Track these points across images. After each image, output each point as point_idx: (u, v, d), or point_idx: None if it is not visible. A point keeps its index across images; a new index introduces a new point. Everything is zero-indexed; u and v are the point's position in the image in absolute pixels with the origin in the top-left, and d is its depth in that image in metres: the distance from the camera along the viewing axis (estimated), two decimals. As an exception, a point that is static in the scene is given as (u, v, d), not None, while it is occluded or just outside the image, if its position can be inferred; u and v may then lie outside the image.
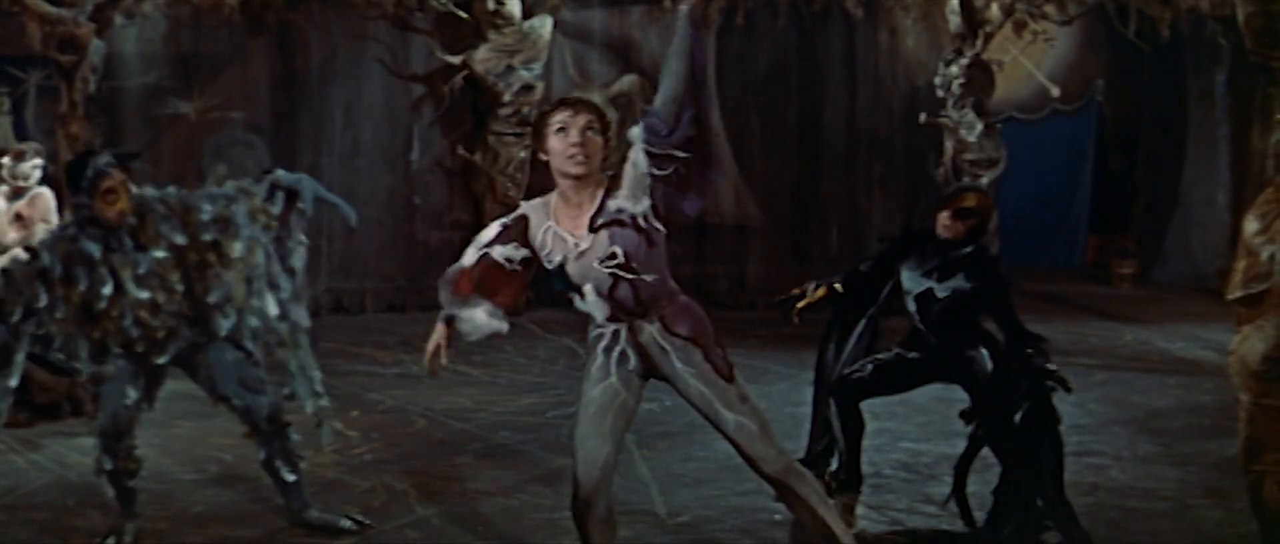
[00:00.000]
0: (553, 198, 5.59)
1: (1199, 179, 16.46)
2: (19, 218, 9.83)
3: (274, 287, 6.90)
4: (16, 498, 7.52)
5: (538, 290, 14.51)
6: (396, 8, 13.80)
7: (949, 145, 14.14)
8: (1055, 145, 16.91)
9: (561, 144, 5.47)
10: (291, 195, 7.04)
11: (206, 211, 6.71)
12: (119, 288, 6.53)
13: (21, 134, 12.58)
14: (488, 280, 5.61)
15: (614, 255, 5.47)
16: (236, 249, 6.74)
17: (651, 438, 8.58)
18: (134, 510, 6.81)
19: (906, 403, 8.10)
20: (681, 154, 5.49)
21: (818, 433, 7.41)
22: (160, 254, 6.59)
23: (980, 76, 14.05)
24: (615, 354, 5.65)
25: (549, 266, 5.57)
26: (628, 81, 15.15)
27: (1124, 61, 16.20)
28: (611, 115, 15.04)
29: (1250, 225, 5.95)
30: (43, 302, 6.49)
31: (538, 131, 5.55)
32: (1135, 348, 12.44)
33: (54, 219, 9.92)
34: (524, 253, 5.59)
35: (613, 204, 5.49)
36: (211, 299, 6.66)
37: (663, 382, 5.77)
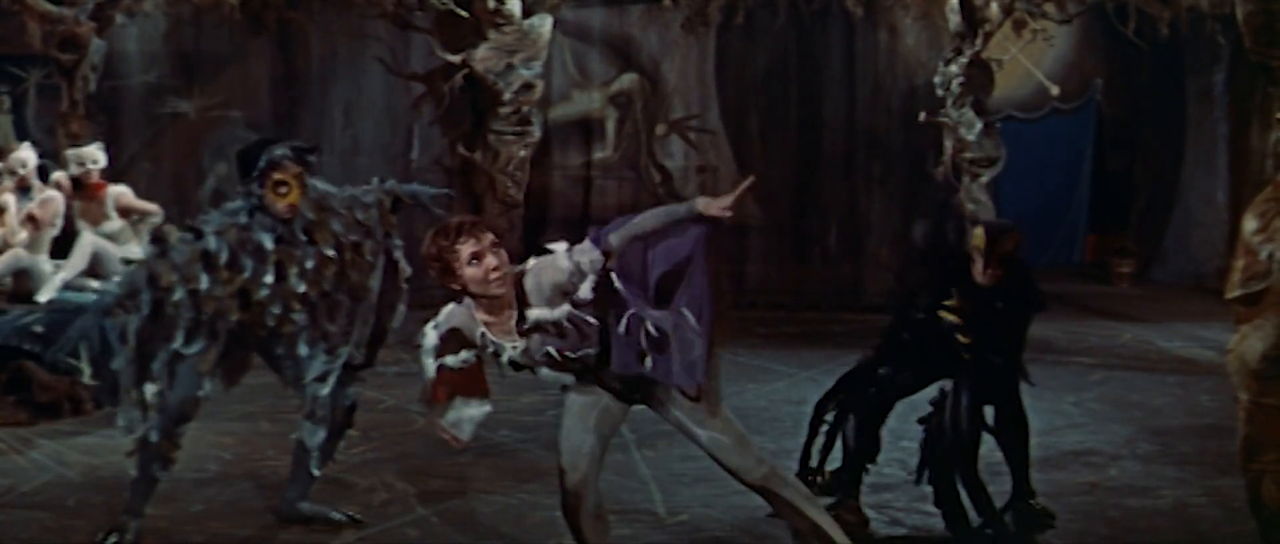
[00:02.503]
0: (470, 305, 5.55)
1: (1198, 178, 16.46)
2: (31, 219, 9.85)
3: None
4: (16, 497, 7.53)
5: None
6: (396, 6, 13.81)
7: (948, 144, 14.14)
8: (1054, 144, 16.93)
9: (480, 271, 5.40)
10: (412, 199, 7.10)
11: (360, 215, 6.76)
12: (281, 279, 6.52)
13: (22, 133, 12.59)
14: (455, 382, 5.65)
15: (550, 355, 5.53)
16: (368, 253, 6.80)
17: (651, 437, 8.59)
18: (142, 509, 6.78)
19: (906, 402, 8.08)
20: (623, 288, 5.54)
21: (817, 438, 7.38)
22: (330, 251, 6.62)
23: (979, 75, 14.05)
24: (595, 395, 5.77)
25: (501, 363, 5.60)
26: (627, 80, 15.16)
27: (1123, 60, 16.20)
28: (611, 113, 15.11)
29: (1249, 224, 5.96)
30: (204, 284, 6.41)
31: (443, 263, 5.46)
32: (1134, 347, 12.45)
33: (61, 221, 9.95)
34: (472, 354, 5.60)
35: (531, 314, 5.48)
36: (340, 298, 6.70)
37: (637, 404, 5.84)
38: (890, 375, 7.22)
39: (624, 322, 5.51)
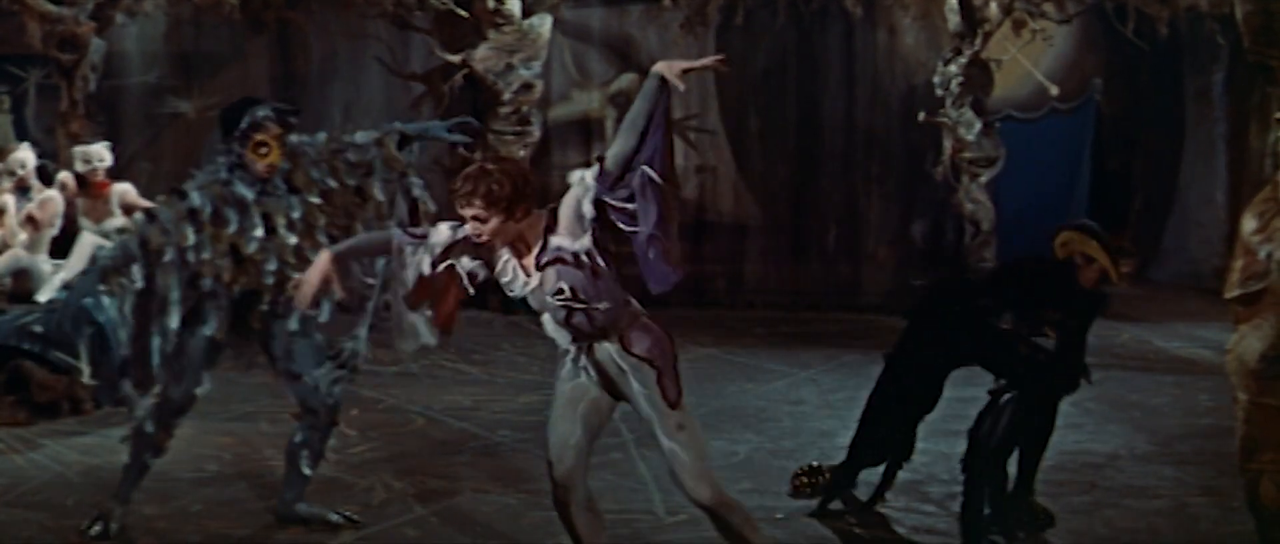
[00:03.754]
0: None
1: (1197, 178, 16.46)
2: (30, 220, 9.86)
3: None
4: (15, 497, 7.54)
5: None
6: (396, 6, 13.81)
7: (948, 144, 14.15)
8: (1053, 144, 16.90)
9: (470, 228, 5.59)
10: (420, 137, 7.15)
11: (351, 156, 6.83)
12: (271, 232, 6.63)
13: (22, 132, 12.59)
14: (435, 289, 5.76)
15: (561, 291, 5.59)
16: (378, 191, 6.86)
17: (650, 437, 8.58)
18: (129, 497, 6.87)
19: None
20: (629, 207, 5.55)
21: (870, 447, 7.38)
22: (314, 199, 6.71)
23: (979, 75, 14.06)
24: (580, 368, 5.82)
25: (511, 294, 5.70)
26: (627, 79, 15.15)
27: (1122, 60, 16.20)
28: (611, 113, 15.11)
29: (1248, 224, 5.97)
30: (191, 241, 6.54)
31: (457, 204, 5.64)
32: (1133, 346, 12.45)
33: (60, 221, 9.97)
34: (485, 274, 5.71)
35: (554, 242, 5.59)
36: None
37: (623, 400, 5.87)
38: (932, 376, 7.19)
39: (641, 241, 5.55)
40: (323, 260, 5.83)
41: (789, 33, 14.93)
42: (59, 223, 9.99)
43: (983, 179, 14.21)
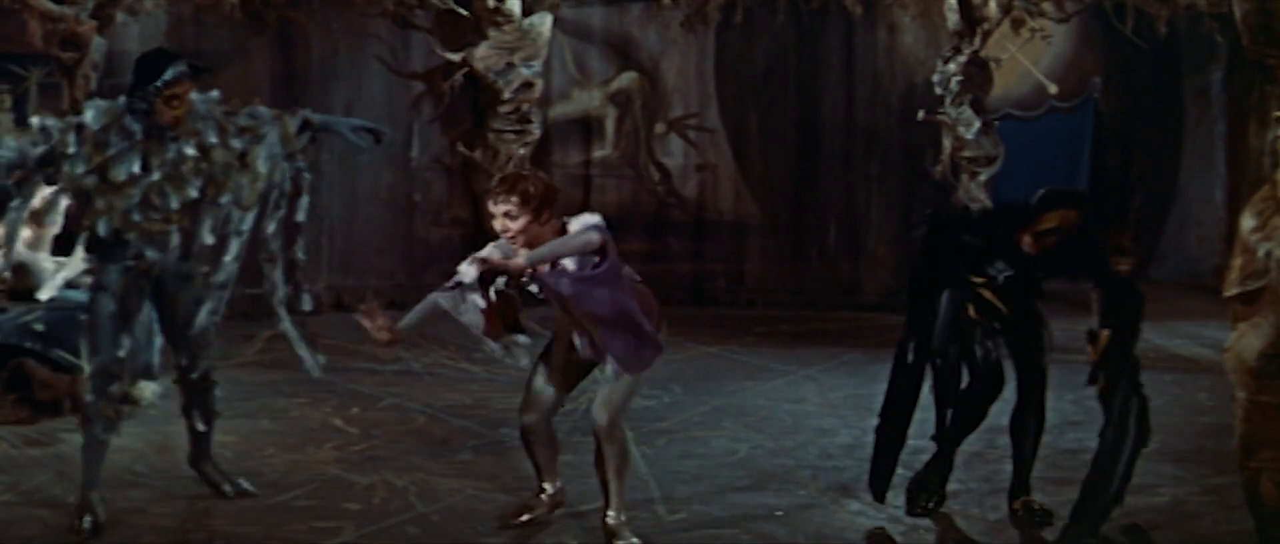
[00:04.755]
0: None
1: (1196, 176, 16.48)
2: (33, 216, 9.87)
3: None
4: (18, 495, 7.55)
5: (537, 287, 14.54)
6: (397, 5, 13.82)
7: (947, 142, 14.15)
8: (1052, 142, 16.91)
9: (500, 226, 6.49)
10: (316, 135, 7.42)
11: (242, 121, 7.11)
12: (144, 168, 6.92)
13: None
14: (503, 312, 6.71)
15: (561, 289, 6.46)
16: (261, 161, 7.11)
17: (650, 435, 8.62)
18: (96, 478, 7.11)
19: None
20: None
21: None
22: (189, 150, 6.96)
23: (978, 74, 14.06)
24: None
25: (526, 289, 6.57)
26: (627, 78, 15.16)
27: (1121, 59, 16.21)
28: (611, 111, 15.13)
29: (1247, 223, 5.98)
30: (71, 149, 6.87)
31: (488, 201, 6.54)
32: (1132, 345, 12.44)
33: (62, 219, 9.97)
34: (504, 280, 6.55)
35: (565, 263, 6.42)
36: (222, 200, 7.08)
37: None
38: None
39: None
40: (386, 335, 6.58)
41: (789, 31, 14.94)
42: (61, 221, 9.99)
43: (982, 178, 14.20)
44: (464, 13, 13.69)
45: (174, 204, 6.99)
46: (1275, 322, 5.86)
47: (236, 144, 7.08)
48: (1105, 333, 7.02)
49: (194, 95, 7.06)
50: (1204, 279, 15.44)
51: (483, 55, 13.80)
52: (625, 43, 15.13)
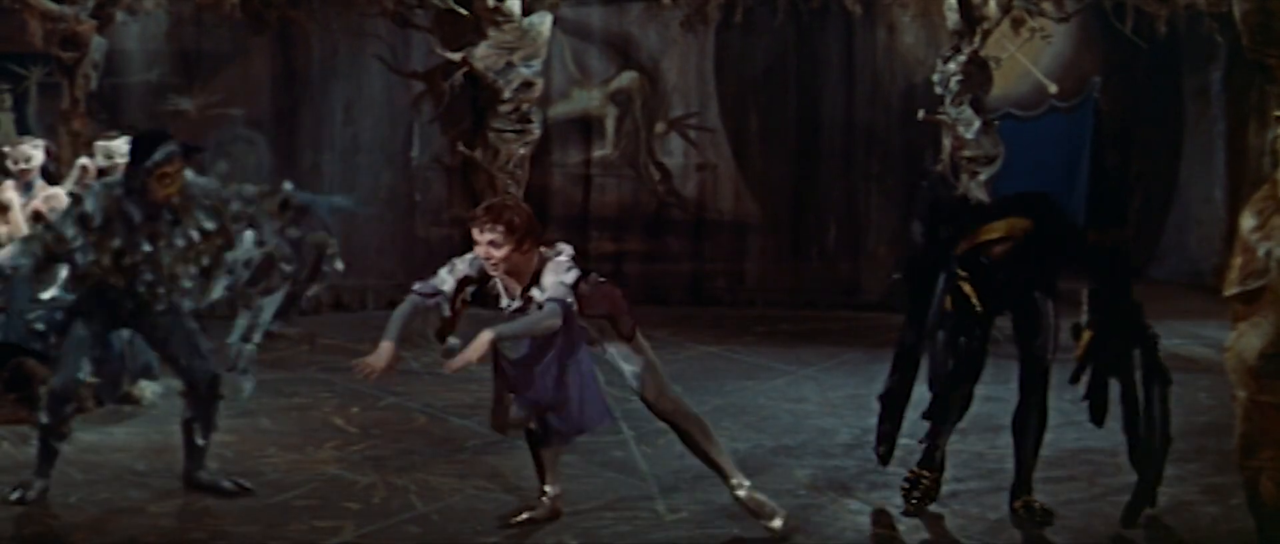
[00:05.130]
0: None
1: (1195, 176, 16.48)
2: (37, 216, 9.88)
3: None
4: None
5: (537, 287, 14.54)
6: (396, 5, 13.81)
7: (947, 142, 14.15)
8: (1052, 142, 16.91)
9: (483, 253, 6.71)
10: (299, 212, 7.76)
11: (236, 207, 7.44)
12: (153, 250, 7.25)
13: (24, 130, 12.59)
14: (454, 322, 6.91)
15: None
16: (248, 243, 7.48)
17: (650, 434, 8.62)
18: (48, 471, 7.43)
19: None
20: None
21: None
22: (194, 233, 7.31)
23: (978, 73, 14.05)
24: None
25: (502, 307, 6.85)
26: (627, 78, 15.17)
27: (1121, 58, 16.21)
28: (611, 111, 15.12)
29: (1246, 222, 5.98)
30: (76, 242, 7.23)
31: (470, 233, 6.75)
32: (1132, 344, 12.44)
33: None
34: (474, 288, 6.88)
35: (534, 292, 6.71)
36: (218, 289, 7.49)
37: None
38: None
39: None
40: (387, 353, 6.85)
41: (788, 30, 14.95)
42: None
43: (982, 177, 14.20)
44: (464, 12, 13.69)
45: (185, 283, 7.39)
46: (1275, 321, 5.85)
47: (236, 227, 7.48)
48: (1088, 332, 7.01)
49: (198, 181, 7.43)
50: (1204, 278, 15.44)
51: (482, 55, 13.79)
52: (625, 42, 15.14)
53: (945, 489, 7.70)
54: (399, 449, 8.63)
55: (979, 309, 7.14)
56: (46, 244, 7.31)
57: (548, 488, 7.12)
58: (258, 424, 9.10)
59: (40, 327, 9.28)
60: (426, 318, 6.90)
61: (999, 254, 7.12)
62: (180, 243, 7.32)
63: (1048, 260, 7.19)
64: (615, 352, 6.96)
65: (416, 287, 6.88)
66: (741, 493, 7.02)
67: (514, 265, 6.70)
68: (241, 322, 7.66)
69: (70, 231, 7.23)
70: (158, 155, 7.18)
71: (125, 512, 7.26)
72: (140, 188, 7.23)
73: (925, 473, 7.41)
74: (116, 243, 7.24)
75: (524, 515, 7.08)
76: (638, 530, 7.02)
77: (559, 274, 6.66)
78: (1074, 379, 7.07)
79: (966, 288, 7.15)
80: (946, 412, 7.34)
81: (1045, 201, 7.37)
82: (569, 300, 6.67)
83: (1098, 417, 7.15)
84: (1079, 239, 7.46)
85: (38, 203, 9.90)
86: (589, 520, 7.13)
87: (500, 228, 6.62)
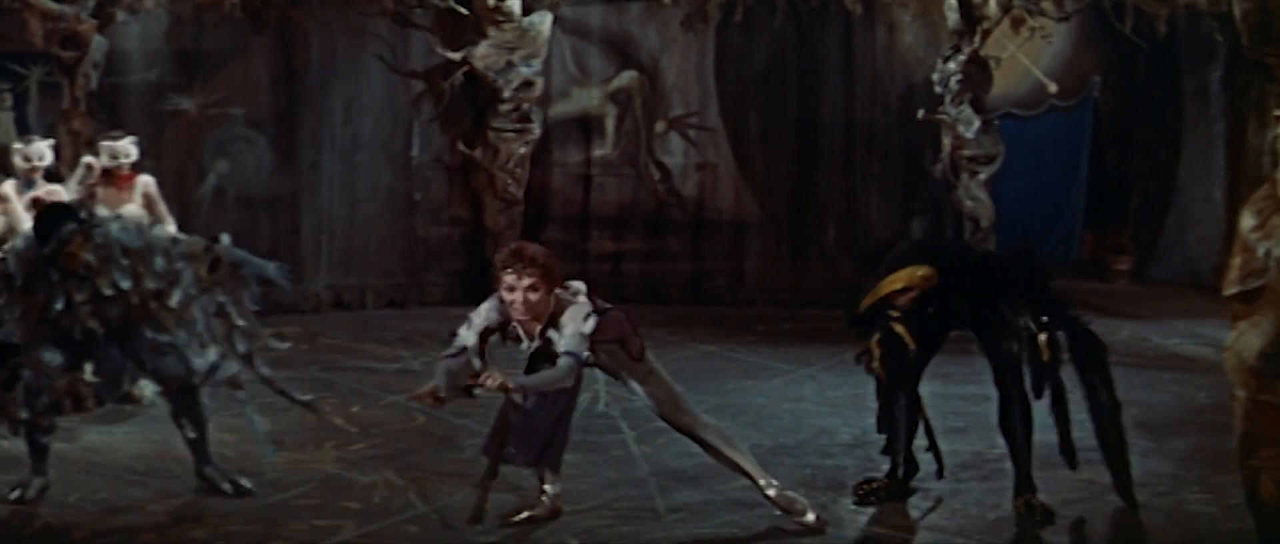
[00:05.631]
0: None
1: (1195, 175, 16.48)
2: (35, 203, 9.90)
3: (205, 343, 7.75)
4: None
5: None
6: (396, 4, 13.83)
7: (947, 141, 14.17)
8: (1052, 141, 16.93)
9: (511, 298, 6.75)
10: (233, 268, 7.81)
11: (159, 264, 7.55)
12: (69, 306, 7.40)
13: (24, 130, 12.60)
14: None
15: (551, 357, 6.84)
16: (175, 301, 7.56)
17: (650, 434, 8.62)
18: (44, 468, 7.50)
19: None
20: None
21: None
22: (108, 292, 7.44)
23: (978, 73, 14.07)
24: None
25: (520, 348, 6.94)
26: (627, 77, 15.17)
27: (1120, 58, 16.22)
28: (611, 110, 15.12)
29: (1246, 221, 5.97)
30: (2, 299, 7.44)
31: (496, 274, 6.84)
32: (1131, 344, 12.46)
33: None
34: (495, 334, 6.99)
35: (552, 334, 6.78)
36: (145, 334, 7.60)
37: None
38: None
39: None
40: (430, 393, 6.79)
41: (788, 30, 14.96)
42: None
43: (982, 177, 14.22)
44: (464, 11, 13.71)
45: (98, 331, 7.52)
46: (1275, 320, 5.85)
47: (151, 285, 7.53)
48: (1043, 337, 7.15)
49: (119, 239, 7.52)
50: (1203, 278, 15.44)
51: (482, 54, 13.81)
52: (625, 41, 15.14)
53: (945, 488, 7.71)
54: (399, 448, 8.63)
55: (911, 348, 7.38)
56: None
57: (547, 487, 7.13)
58: (258, 423, 9.10)
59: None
60: (460, 373, 6.84)
61: (904, 304, 7.28)
62: (89, 297, 7.44)
63: (964, 299, 7.33)
64: (629, 377, 7.01)
65: (443, 355, 6.96)
66: (772, 492, 7.07)
67: (534, 309, 6.74)
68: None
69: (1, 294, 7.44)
70: (55, 242, 7.34)
71: (125, 511, 7.26)
72: (53, 261, 7.39)
73: (880, 478, 7.64)
74: (39, 298, 7.40)
75: (523, 514, 7.08)
76: (637, 530, 7.02)
77: (578, 323, 6.72)
78: (1037, 393, 7.30)
79: (899, 329, 7.35)
80: (895, 426, 7.59)
81: (944, 250, 7.70)
82: (584, 355, 6.75)
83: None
84: (991, 274, 7.56)
85: (39, 193, 9.94)
86: (589, 520, 7.13)
87: (537, 273, 6.68)
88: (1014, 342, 7.28)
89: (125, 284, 7.47)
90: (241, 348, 7.74)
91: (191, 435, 7.69)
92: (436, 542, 6.93)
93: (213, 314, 7.71)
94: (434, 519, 7.21)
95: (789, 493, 7.15)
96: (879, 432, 7.78)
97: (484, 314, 6.89)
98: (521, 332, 6.86)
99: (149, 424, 8.96)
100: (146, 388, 9.49)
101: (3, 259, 7.60)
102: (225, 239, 7.85)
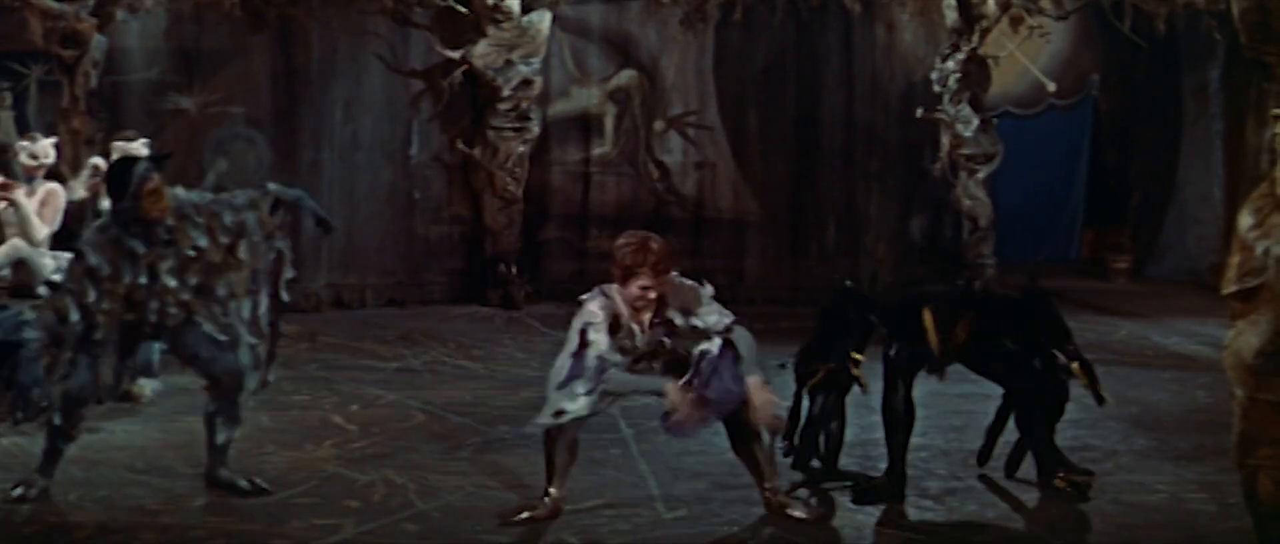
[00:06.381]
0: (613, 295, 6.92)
1: (1194, 174, 16.50)
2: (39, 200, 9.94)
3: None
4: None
5: (537, 286, 14.56)
6: (396, 3, 13.84)
7: (946, 140, 14.19)
8: (1051, 140, 16.96)
9: (636, 296, 6.83)
10: (290, 207, 7.84)
11: (227, 218, 7.52)
12: (154, 278, 7.36)
13: (24, 128, 12.60)
14: None
15: (661, 343, 7.00)
16: (243, 251, 7.54)
17: (650, 432, 8.62)
18: (51, 472, 7.50)
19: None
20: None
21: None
22: (190, 252, 7.41)
23: (977, 71, 14.09)
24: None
25: (622, 346, 6.92)
26: (626, 76, 15.19)
27: (1119, 56, 16.24)
28: (610, 109, 15.12)
29: (1244, 220, 5.97)
30: (92, 297, 7.30)
31: (622, 270, 6.84)
32: (1130, 342, 12.47)
33: (61, 217, 10.02)
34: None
35: (673, 316, 6.91)
36: (220, 292, 7.50)
37: None
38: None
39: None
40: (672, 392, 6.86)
41: (788, 29, 14.97)
42: (60, 218, 10.02)
43: (981, 175, 14.25)
44: (463, 10, 13.72)
45: (185, 298, 7.44)
46: (1273, 319, 5.85)
47: (224, 240, 7.52)
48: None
49: (187, 198, 7.52)
50: (1202, 276, 15.46)
51: (482, 53, 13.82)
52: (624, 40, 15.15)
53: (942, 486, 7.73)
54: (398, 447, 8.63)
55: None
56: (60, 309, 7.34)
57: (553, 490, 7.13)
58: (258, 422, 9.09)
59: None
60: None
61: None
62: (174, 264, 7.40)
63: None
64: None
65: (589, 380, 6.84)
66: (772, 493, 7.20)
67: (656, 302, 6.90)
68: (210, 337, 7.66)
69: (87, 286, 7.31)
70: (136, 176, 7.33)
71: (125, 510, 7.26)
72: (133, 215, 7.34)
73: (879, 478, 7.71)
74: (126, 281, 7.34)
75: (524, 514, 7.08)
76: (637, 529, 7.02)
77: (709, 302, 6.93)
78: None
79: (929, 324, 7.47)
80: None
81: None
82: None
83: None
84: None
85: (41, 193, 9.95)
86: (589, 519, 7.14)
87: (667, 267, 6.84)
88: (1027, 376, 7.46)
89: (203, 242, 7.42)
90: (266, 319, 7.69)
91: (221, 438, 7.63)
92: (436, 540, 6.93)
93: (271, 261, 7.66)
94: (434, 517, 7.21)
95: (789, 497, 7.23)
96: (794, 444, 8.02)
97: (600, 318, 6.86)
98: (635, 326, 6.92)
99: (148, 423, 8.97)
100: (146, 387, 9.51)
101: (79, 253, 7.47)
102: (273, 185, 7.83)
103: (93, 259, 7.34)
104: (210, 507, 7.35)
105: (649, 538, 6.93)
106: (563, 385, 6.86)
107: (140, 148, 10.48)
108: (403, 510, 7.31)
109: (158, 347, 8.68)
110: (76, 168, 11.31)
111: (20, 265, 9.74)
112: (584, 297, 6.98)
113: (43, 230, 9.89)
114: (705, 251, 15.08)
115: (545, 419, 6.91)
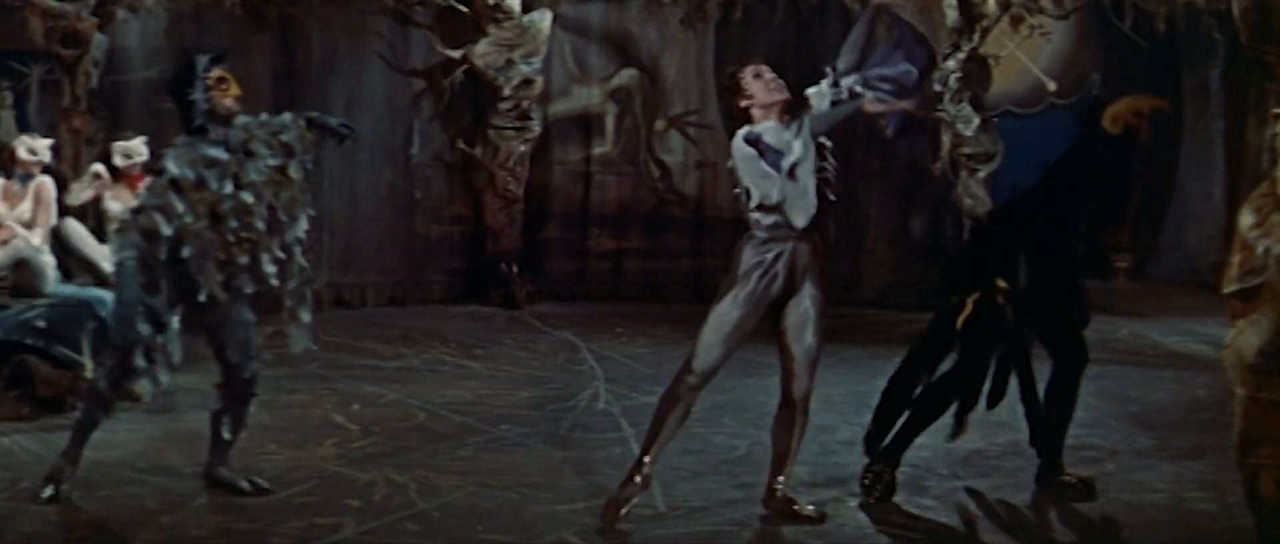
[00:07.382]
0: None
1: (1194, 173, 16.49)
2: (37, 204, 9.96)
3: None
4: (19, 492, 7.55)
5: (538, 285, 14.55)
6: (397, 2, 13.83)
7: (946, 139, 14.17)
8: (1051, 140, 16.92)
9: (762, 82, 7.66)
10: (321, 131, 7.67)
11: (284, 139, 7.38)
12: (238, 187, 7.20)
13: (24, 128, 12.60)
14: None
15: (824, 167, 7.62)
16: (294, 172, 7.39)
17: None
18: (78, 455, 7.42)
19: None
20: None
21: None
22: (265, 166, 7.27)
23: (977, 71, 14.07)
24: (768, 278, 7.43)
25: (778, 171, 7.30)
26: (626, 75, 15.18)
27: (1120, 56, 16.23)
28: (611, 108, 15.13)
29: (1245, 219, 5.98)
30: (181, 208, 7.13)
31: (733, 86, 7.57)
32: (1131, 342, 12.48)
33: (55, 210, 10.05)
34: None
35: (810, 91, 7.55)
36: (281, 215, 7.32)
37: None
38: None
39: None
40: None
41: (788, 28, 14.95)
42: (55, 210, 10.06)
43: (981, 174, 14.22)
44: (464, 9, 13.71)
45: (259, 223, 7.27)
46: (1274, 318, 5.86)
47: (277, 161, 7.37)
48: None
49: (251, 120, 7.38)
50: (1203, 276, 15.46)
51: (482, 52, 13.82)
52: (625, 39, 15.15)
53: (942, 485, 7.73)
54: (399, 446, 8.64)
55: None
56: (148, 227, 7.17)
57: (648, 459, 7.09)
58: (258, 420, 9.08)
59: (41, 324, 9.31)
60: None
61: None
62: (254, 177, 7.25)
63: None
64: (812, 311, 7.43)
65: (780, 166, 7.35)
66: (779, 491, 7.27)
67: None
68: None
69: (178, 204, 7.14)
70: (200, 68, 7.22)
71: (124, 509, 7.27)
72: (208, 114, 7.23)
73: (886, 468, 7.65)
74: (212, 188, 7.16)
75: (625, 509, 7.01)
76: (637, 527, 7.02)
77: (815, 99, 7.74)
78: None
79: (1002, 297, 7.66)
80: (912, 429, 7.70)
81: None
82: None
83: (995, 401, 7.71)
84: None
85: (28, 193, 9.98)
86: (589, 518, 7.14)
87: (764, 65, 7.66)
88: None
89: (274, 161, 7.32)
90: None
91: (227, 436, 7.60)
92: (437, 540, 6.93)
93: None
94: (434, 517, 7.21)
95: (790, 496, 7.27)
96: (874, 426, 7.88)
97: (763, 128, 7.42)
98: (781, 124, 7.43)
99: (148, 422, 8.97)
100: (146, 386, 9.52)
101: (161, 170, 7.27)
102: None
103: (176, 169, 7.18)
104: (210, 507, 7.36)
105: (649, 538, 6.93)
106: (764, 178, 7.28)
107: (140, 147, 10.51)
108: (403, 509, 7.31)
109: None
110: (77, 167, 11.32)
111: (22, 266, 9.74)
112: (740, 132, 7.38)
113: (41, 233, 9.89)
114: (706, 251, 15.07)
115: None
